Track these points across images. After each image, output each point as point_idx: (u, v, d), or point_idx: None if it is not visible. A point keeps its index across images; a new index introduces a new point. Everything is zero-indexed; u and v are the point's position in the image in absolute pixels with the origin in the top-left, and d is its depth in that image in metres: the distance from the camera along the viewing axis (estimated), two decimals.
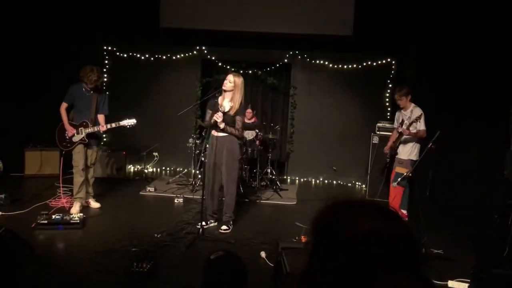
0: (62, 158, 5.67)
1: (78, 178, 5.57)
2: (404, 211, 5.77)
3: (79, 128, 5.47)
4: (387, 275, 0.78)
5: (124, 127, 5.59)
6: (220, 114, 4.86)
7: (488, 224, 5.52)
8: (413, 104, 5.55)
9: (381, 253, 0.80)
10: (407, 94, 5.50)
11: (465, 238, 5.06)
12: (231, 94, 4.98)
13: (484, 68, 6.15)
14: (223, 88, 5.00)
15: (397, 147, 5.59)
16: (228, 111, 4.96)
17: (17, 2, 7.22)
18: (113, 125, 5.52)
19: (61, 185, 5.83)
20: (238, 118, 5.02)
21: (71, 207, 5.60)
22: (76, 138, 5.48)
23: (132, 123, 5.58)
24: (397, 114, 5.87)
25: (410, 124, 5.30)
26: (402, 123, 5.55)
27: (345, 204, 0.91)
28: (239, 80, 4.97)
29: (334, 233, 0.85)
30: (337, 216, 0.89)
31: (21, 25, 7.26)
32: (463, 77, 6.43)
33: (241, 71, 8.48)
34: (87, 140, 5.53)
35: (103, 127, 5.48)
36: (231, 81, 4.95)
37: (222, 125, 4.88)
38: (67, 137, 5.49)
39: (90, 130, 5.48)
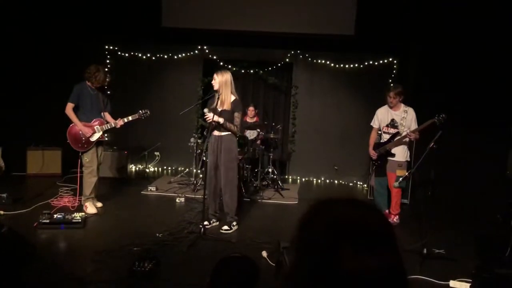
0: (79, 161, 5.57)
1: (91, 178, 5.56)
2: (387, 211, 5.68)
3: (95, 127, 5.47)
4: (354, 255, 0.78)
5: (140, 119, 5.68)
6: (210, 114, 4.91)
7: (490, 223, 5.51)
8: (403, 104, 5.44)
9: (347, 234, 0.80)
10: (400, 95, 5.39)
11: (467, 238, 5.05)
12: (220, 91, 5.02)
13: (486, 67, 6.14)
14: (214, 88, 5.08)
15: (391, 149, 5.48)
16: (223, 108, 5.00)
17: (19, 2, 7.22)
18: (130, 118, 5.57)
19: (78, 187, 5.79)
20: (236, 114, 5.05)
21: (74, 206, 5.61)
22: (94, 137, 5.46)
23: (147, 114, 5.66)
24: (380, 112, 5.64)
25: (421, 128, 5.21)
26: (393, 124, 5.46)
27: (325, 201, 0.93)
28: (223, 77, 4.99)
29: (309, 225, 0.89)
30: (315, 211, 0.92)
31: (23, 25, 7.27)
32: (465, 76, 6.42)
33: (243, 71, 8.50)
34: (105, 137, 5.56)
35: (120, 120, 5.51)
36: (215, 78, 5.02)
37: (221, 120, 4.91)
38: (83, 138, 5.45)
39: (106, 127, 5.51)
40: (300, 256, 0.87)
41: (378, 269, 0.78)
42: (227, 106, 5.00)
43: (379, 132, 5.80)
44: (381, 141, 5.63)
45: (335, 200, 0.93)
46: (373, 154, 5.70)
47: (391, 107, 5.46)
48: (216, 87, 5.02)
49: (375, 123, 5.73)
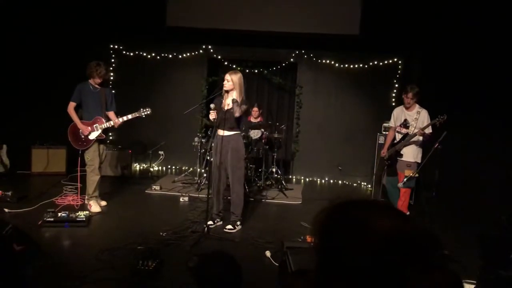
0: (79, 159, 5.56)
1: (94, 177, 5.57)
2: (407, 212, 5.75)
3: (94, 125, 5.48)
4: (419, 272, 0.78)
5: (140, 117, 5.64)
6: (214, 113, 4.96)
7: (494, 224, 5.48)
8: (417, 105, 5.47)
9: (409, 251, 0.79)
10: (417, 95, 5.40)
11: (471, 239, 5.02)
12: (232, 92, 4.99)
13: (491, 67, 6.11)
14: (224, 88, 5.01)
15: (401, 149, 5.49)
16: (231, 108, 4.96)
17: (24, 2, 7.25)
18: (129, 116, 5.55)
19: (78, 185, 5.84)
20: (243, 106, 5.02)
21: (78, 205, 5.63)
22: (92, 136, 5.47)
23: (148, 112, 5.61)
24: (396, 112, 5.72)
25: (428, 126, 5.22)
26: (405, 124, 5.48)
27: (354, 205, 0.91)
28: (236, 77, 4.96)
29: (351, 234, 0.84)
30: (350, 216, 0.88)
31: (27, 24, 7.30)
32: (470, 77, 6.39)
33: (247, 70, 8.49)
34: (104, 136, 5.57)
35: (118, 121, 5.50)
36: (229, 80, 4.96)
37: (229, 106, 4.93)
38: (82, 136, 5.47)
39: (105, 125, 5.50)
40: (343, 267, 0.85)
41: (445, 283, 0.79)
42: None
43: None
44: (395, 141, 5.68)
45: (367, 205, 0.91)
46: (383, 153, 5.76)
47: (407, 108, 5.49)
48: (228, 87, 4.96)
49: (391, 123, 5.77)
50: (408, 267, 0.78)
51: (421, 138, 5.33)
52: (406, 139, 5.43)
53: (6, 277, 1.51)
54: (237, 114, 4.91)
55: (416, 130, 5.33)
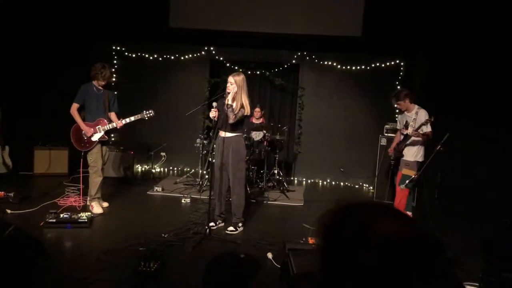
0: (81, 160, 5.55)
1: (97, 178, 5.58)
2: (409, 213, 5.74)
3: (97, 127, 5.48)
4: (422, 275, 0.77)
5: (143, 119, 5.63)
6: (214, 111, 4.93)
7: (497, 227, 5.47)
8: (416, 106, 5.48)
9: (412, 254, 0.79)
10: (405, 98, 5.43)
11: (474, 241, 5.01)
12: (235, 94, 4.98)
13: (494, 69, 6.10)
14: (227, 91, 4.98)
15: (403, 149, 5.53)
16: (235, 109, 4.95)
17: (27, 2, 7.27)
18: (132, 118, 5.54)
19: (81, 186, 5.85)
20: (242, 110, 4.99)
21: (80, 206, 5.63)
22: (95, 137, 5.47)
23: (151, 114, 5.60)
24: (400, 117, 5.83)
25: (419, 127, 5.25)
26: (406, 125, 5.50)
27: (358, 207, 0.90)
28: (239, 78, 4.95)
29: (354, 236, 0.84)
30: (353, 219, 0.88)
31: (30, 25, 7.31)
32: (472, 79, 6.38)
33: (249, 72, 8.50)
34: (107, 138, 5.58)
35: (120, 122, 5.51)
36: (232, 82, 4.94)
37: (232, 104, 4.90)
38: (85, 138, 5.49)
39: (108, 127, 5.50)
40: (346, 270, 0.84)
41: None
42: (239, 106, 4.92)
43: None
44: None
45: (372, 208, 0.91)
46: (390, 149, 5.89)
47: (404, 111, 5.54)
48: (233, 90, 4.92)
49: (398, 126, 5.90)
50: (411, 270, 0.78)
51: (417, 138, 5.35)
52: (405, 140, 5.49)
53: (8, 278, 1.51)
54: (230, 121, 4.90)
55: (410, 131, 5.37)
